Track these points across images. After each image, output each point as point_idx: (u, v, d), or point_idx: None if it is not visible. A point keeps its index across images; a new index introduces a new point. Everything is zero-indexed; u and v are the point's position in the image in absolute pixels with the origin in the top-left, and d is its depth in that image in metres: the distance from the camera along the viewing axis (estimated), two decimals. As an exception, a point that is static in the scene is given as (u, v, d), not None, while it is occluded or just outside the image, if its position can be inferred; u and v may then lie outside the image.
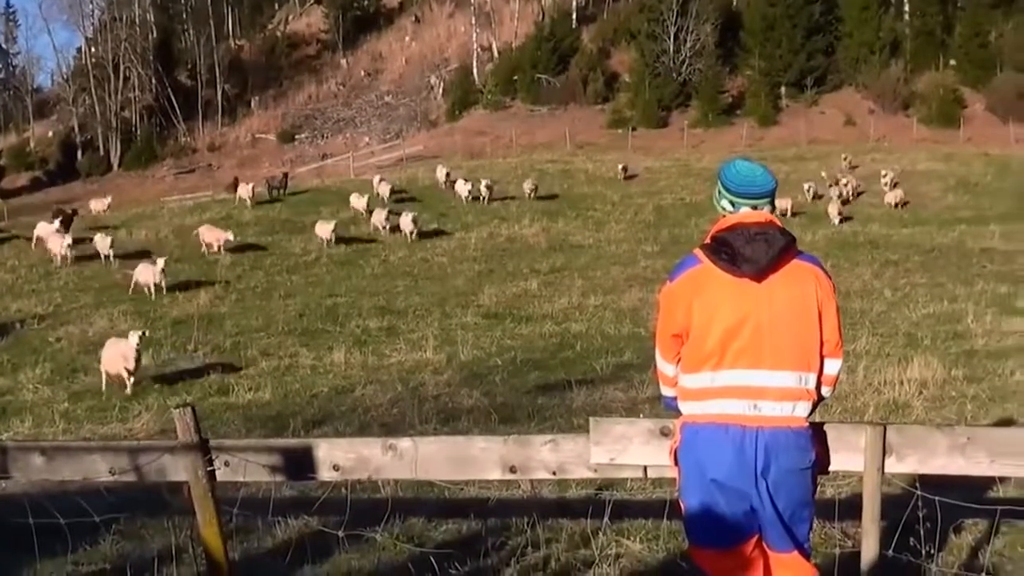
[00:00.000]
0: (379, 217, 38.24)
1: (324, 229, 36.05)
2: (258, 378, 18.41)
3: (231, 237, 34.79)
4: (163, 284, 28.31)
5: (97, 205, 50.52)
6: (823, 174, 46.96)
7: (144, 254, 32.72)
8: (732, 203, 4.75)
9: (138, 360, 17.89)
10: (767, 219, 4.67)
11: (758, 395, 4.56)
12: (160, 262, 28.67)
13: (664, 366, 4.92)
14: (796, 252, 4.67)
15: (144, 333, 18.90)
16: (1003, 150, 57.03)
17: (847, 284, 24.82)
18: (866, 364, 14.97)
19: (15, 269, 33.30)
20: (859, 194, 44.80)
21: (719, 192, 4.83)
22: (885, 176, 44.82)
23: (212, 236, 35.14)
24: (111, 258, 33.20)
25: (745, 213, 4.70)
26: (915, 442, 5.00)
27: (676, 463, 4.81)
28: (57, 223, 36.80)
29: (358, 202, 41.49)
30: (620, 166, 51.35)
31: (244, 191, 46.20)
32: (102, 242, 33.82)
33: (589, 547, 6.71)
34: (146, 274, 28.41)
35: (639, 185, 49.08)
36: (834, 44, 77.51)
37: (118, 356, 17.94)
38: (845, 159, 49.92)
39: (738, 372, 4.58)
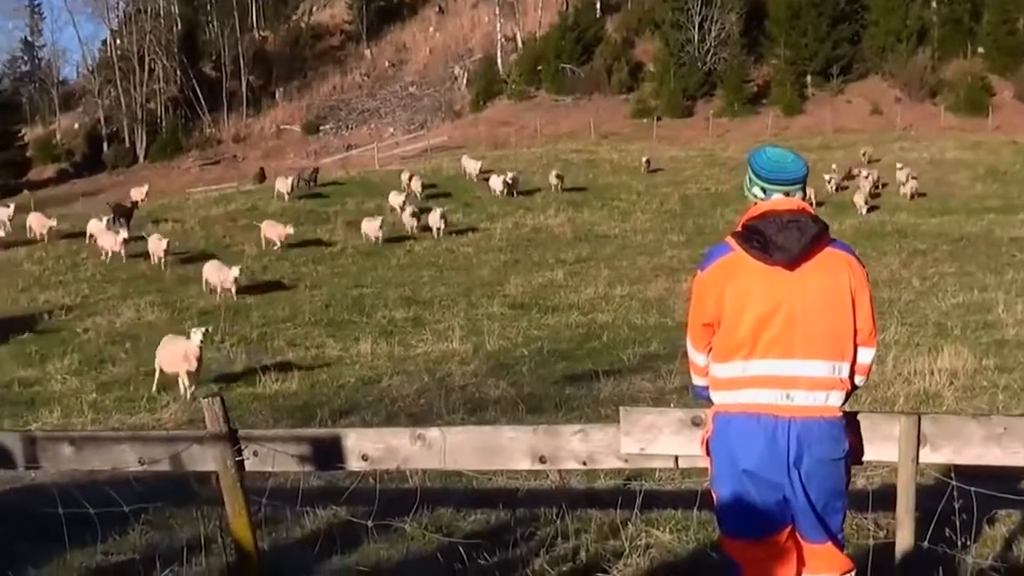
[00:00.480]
0: (407, 214, 36.80)
1: (371, 227, 34.95)
2: (285, 368, 18.44)
3: (291, 231, 33.89)
4: (233, 289, 26.81)
5: (136, 194, 50.09)
6: (834, 167, 45.80)
7: (199, 258, 32.41)
8: (763, 190, 4.68)
9: (200, 361, 16.82)
10: (799, 206, 4.61)
11: (790, 384, 4.50)
12: (235, 269, 27.06)
13: (695, 355, 4.86)
14: (829, 240, 4.61)
15: (207, 330, 17.68)
16: (1032, 138, 56.57)
17: (875, 273, 24.61)
18: (895, 354, 14.86)
19: (42, 260, 33.45)
20: (884, 185, 44.36)
21: (750, 179, 4.76)
22: (901, 170, 43.80)
23: (274, 232, 33.93)
24: (163, 261, 30.95)
25: (777, 200, 4.63)
26: (950, 432, 4.95)
27: (708, 453, 4.77)
28: (105, 220, 35.30)
29: (396, 199, 39.57)
30: (644, 159, 50.18)
31: (283, 185, 44.61)
32: (156, 244, 31.32)
33: (619, 538, 6.66)
34: (221, 275, 27.16)
35: (664, 175, 48.93)
36: (860, 32, 77.04)
37: (179, 356, 16.78)
38: (864, 154, 48.59)
39: (770, 362, 4.52)
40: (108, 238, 32.44)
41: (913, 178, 42.81)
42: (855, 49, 76.63)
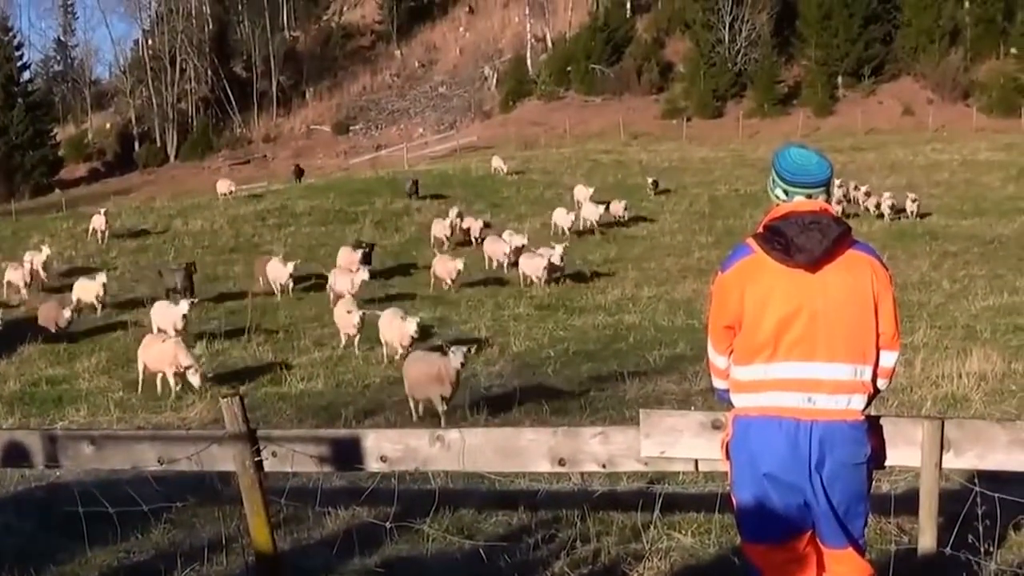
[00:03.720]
0: (500, 247, 30.00)
1: (534, 266, 27.83)
2: (311, 368, 18.47)
3: (461, 267, 27.69)
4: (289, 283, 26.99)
5: (223, 187, 48.19)
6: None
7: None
8: (785, 192, 4.63)
9: (457, 383, 14.04)
10: (821, 207, 4.55)
11: (812, 388, 4.46)
12: (290, 266, 27.03)
13: (716, 358, 4.81)
14: (852, 242, 4.56)
15: (469, 350, 14.73)
16: (1065, 140, 56.00)
17: (904, 276, 24.50)
18: (924, 357, 14.74)
19: (72, 259, 33.63)
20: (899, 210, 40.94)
21: (772, 180, 4.70)
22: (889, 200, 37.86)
23: (445, 269, 27.80)
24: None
25: (799, 202, 4.58)
26: (974, 437, 4.89)
27: (728, 456, 4.72)
28: (357, 253, 28.83)
29: (517, 240, 30.33)
30: (650, 180, 44.86)
31: (440, 230, 34.28)
32: (345, 321, 20.77)
33: (640, 541, 6.63)
34: (279, 272, 27.07)
35: (693, 175, 48.71)
36: (892, 33, 76.59)
37: (432, 379, 14.02)
38: (856, 188, 40.93)
39: (792, 364, 4.48)
40: (345, 281, 25.34)
41: (891, 203, 37.66)
42: (887, 50, 76.18)
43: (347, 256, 28.94)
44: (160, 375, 17.38)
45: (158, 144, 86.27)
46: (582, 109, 76.91)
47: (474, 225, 34.50)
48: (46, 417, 15.41)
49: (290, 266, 27.48)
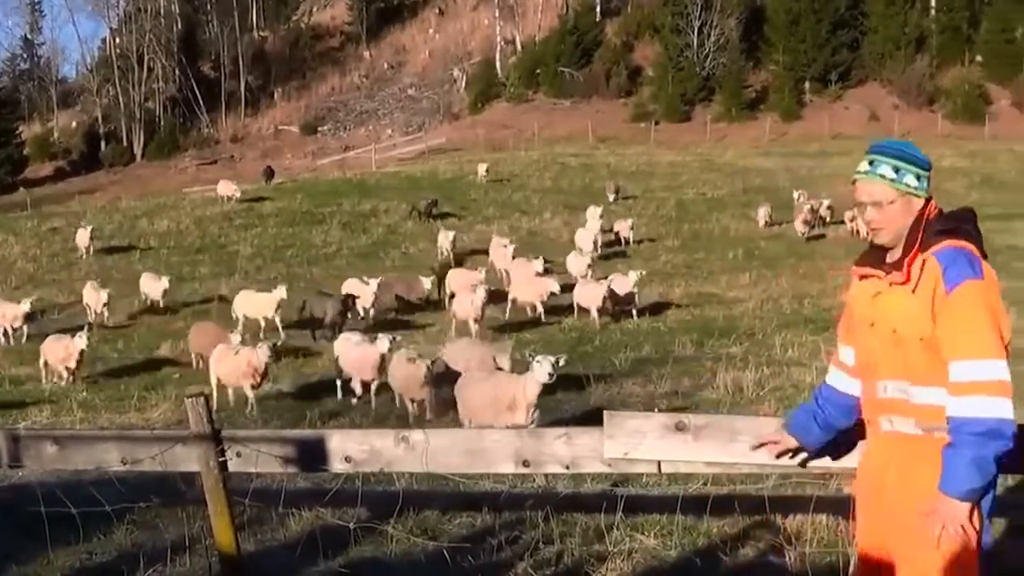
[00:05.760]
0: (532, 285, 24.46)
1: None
2: (277, 370, 18.40)
3: (556, 289, 23.55)
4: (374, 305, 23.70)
5: (225, 189, 46.15)
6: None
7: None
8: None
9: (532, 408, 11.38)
10: None
11: None
12: (373, 283, 23.61)
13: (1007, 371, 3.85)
14: None
15: (558, 362, 11.52)
16: (1029, 147, 56.54)
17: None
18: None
19: (36, 258, 33.44)
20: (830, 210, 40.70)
21: (918, 176, 4.02)
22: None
23: (534, 292, 23.91)
24: None
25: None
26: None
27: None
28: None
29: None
30: (613, 186, 43.41)
31: (502, 262, 29.09)
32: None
33: (603, 542, 6.67)
34: (364, 290, 23.73)
35: (661, 179, 48.83)
36: (859, 39, 77.07)
37: (502, 408, 11.57)
38: (798, 197, 39.00)
39: None
40: (465, 302, 21.80)
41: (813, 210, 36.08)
42: (854, 55, 76.65)
43: (460, 276, 25.30)
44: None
45: (124, 143, 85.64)
46: (550, 112, 76.98)
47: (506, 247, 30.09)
48: (9, 417, 15.31)
49: (373, 284, 23.75)
